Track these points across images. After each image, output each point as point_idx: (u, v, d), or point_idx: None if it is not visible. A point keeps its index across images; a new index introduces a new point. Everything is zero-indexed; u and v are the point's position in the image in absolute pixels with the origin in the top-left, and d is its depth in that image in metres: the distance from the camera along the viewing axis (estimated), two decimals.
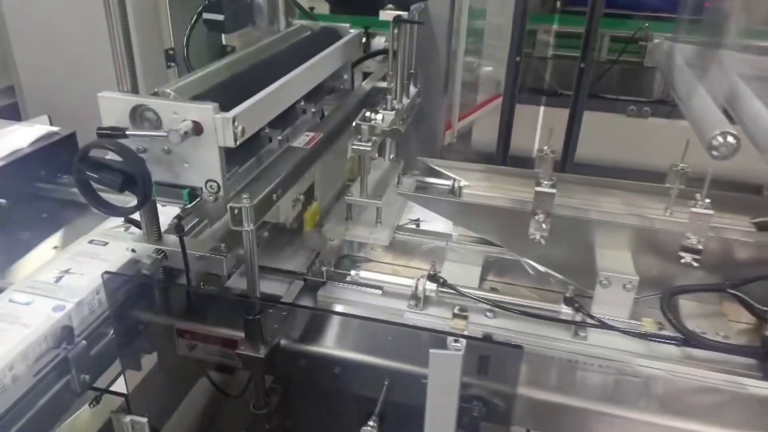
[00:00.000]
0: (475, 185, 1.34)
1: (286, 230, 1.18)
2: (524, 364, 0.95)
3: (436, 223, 1.26)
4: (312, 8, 1.73)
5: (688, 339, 0.96)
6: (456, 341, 0.78)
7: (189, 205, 0.94)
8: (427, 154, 1.58)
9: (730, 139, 0.99)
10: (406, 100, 1.36)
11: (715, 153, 1.00)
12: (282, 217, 1.03)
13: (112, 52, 0.90)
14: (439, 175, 1.42)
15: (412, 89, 1.44)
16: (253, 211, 0.86)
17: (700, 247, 1.03)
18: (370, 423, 0.89)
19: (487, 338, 0.91)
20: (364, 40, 1.47)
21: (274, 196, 0.95)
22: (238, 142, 0.90)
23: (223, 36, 1.75)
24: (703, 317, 1.06)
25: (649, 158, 2.93)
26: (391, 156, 1.38)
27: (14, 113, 2.07)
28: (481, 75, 3.14)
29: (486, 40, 2.89)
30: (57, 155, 1.42)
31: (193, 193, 0.93)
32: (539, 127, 2.80)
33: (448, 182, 1.39)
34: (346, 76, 1.50)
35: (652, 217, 1.13)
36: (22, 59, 1.99)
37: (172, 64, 1.67)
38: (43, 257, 1.15)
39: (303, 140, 1.09)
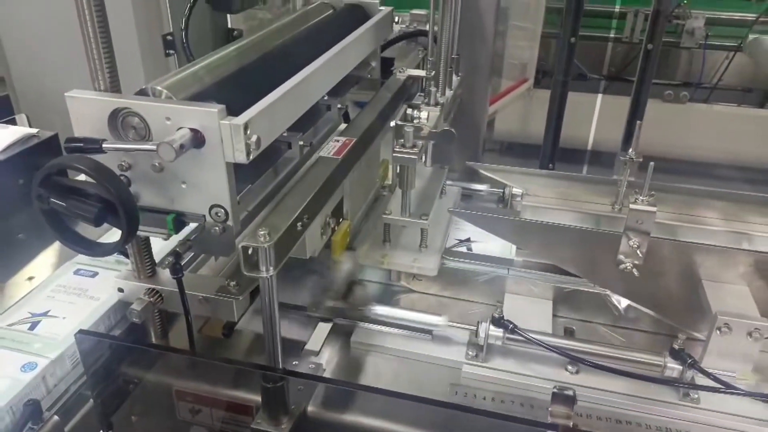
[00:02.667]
0: (536, 196, 1.11)
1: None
2: None
3: (492, 243, 1.03)
4: None
5: None
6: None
7: (188, 238, 0.72)
8: (468, 156, 1.35)
9: None
10: (449, 92, 1.13)
11: None
12: (309, 252, 0.80)
13: (83, 38, 0.67)
14: (483, 179, 1.19)
15: (455, 79, 1.21)
16: (273, 252, 0.64)
17: None
18: None
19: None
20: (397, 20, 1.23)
21: (299, 225, 0.72)
22: (251, 157, 0.67)
23: (228, 18, 1.52)
24: None
25: (707, 149, 2.71)
26: (429, 162, 1.15)
27: (5, 108, 1.85)
28: (506, 59, 2.89)
29: (510, 21, 2.64)
30: (36, 161, 1.20)
31: (181, 219, 0.70)
32: (595, 116, 2.56)
33: (498, 190, 1.16)
34: (374, 64, 1.27)
35: None
36: (10, 47, 1.77)
37: (172, 51, 1.43)
38: (15, 292, 0.94)
39: (331, 147, 0.86)
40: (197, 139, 0.66)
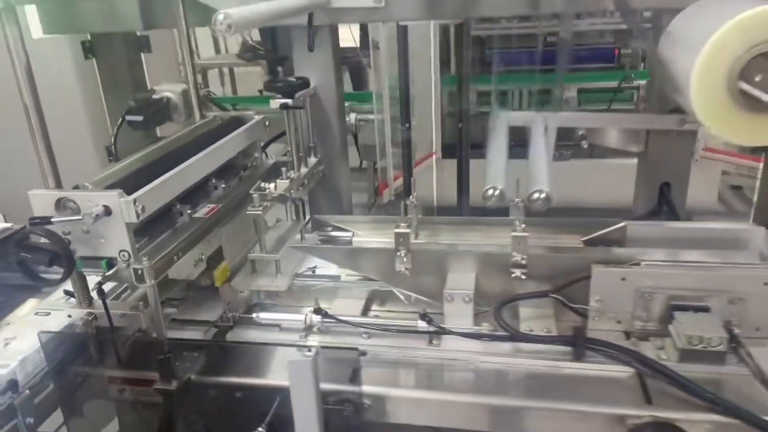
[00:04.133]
0: (366, 234, 1.60)
1: (207, 288, 1.43)
2: (396, 370, 1.19)
3: (329, 268, 1.51)
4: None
5: (513, 336, 1.21)
6: (308, 350, 1.02)
7: (108, 273, 1.19)
8: (336, 212, 1.84)
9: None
10: (304, 170, 1.64)
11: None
12: (185, 275, 1.28)
13: (36, 155, 1.16)
14: (342, 230, 1.68)
15: (313, 160, 1.72)
16: (152, 271, 1.11)
17: (524, 263, 1.29)
18: (259, 429, 1.11)
19: (326, 346, 1.14)
20: (267, 124, 1.76)
21: (175, 257, 1.20)
22: (140, 218, 1.15)
23: (157, 129, 2.05)
24: (536, 319, 1.31)
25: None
26: (293, 218, 1.64)
27: None
28: (414, 137, 3.46)
29: (416, 105, 3.23)
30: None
31: (111, 262, 1.17)
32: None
33: (348, 234, 1.65)
34: (256, 155, 1.78)
35: (491, 244, 1.39)
36: None
37: (112, 158, 1.94)
38: None
39: (204, 211, 1.35)
40: (107, 211, 1.13)
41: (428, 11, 1.56)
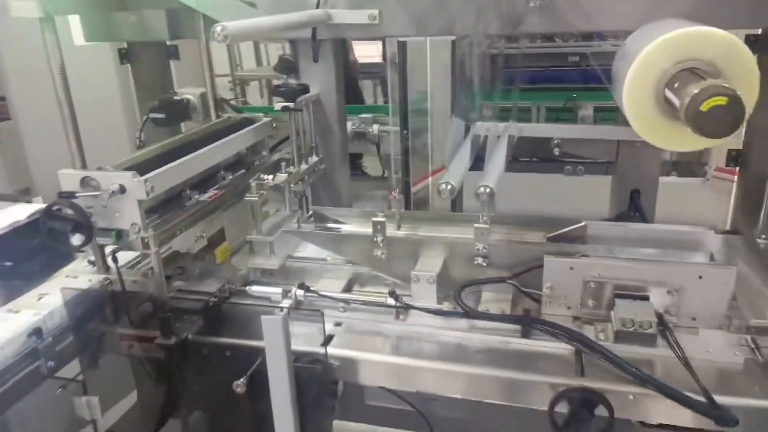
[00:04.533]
0: (357, 225, 1.77)
1: (212, 266, 1.63)
2: (366, 338, 1.36)
3: (321, 253, 1.69)
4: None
5: (468, 313, 1.36)
6: (281, 311, 1.20)
7: (116, 242, 1.40)
8: (335, 206, 2.03)
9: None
10: (304, 166, 1.83)
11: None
12: (186, 248, 1.48)
13: (66, 141, 1.38)
14: (336, 221, 1.86)
15: (314, 158, 1.91)
16: (156, 240, 1.31)
17: (485, 252, 1.45)
18: (240, 381, 1.29)
19: (297, 308, 1.30)
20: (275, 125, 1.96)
21: (177, 231, 1.40)
22: (149, 196, 1.36)
23: (182, 126, 2.28)
24: (494, 302, 1.46)
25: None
26: (294, 209, 1.83)
27: None
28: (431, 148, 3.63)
29: (434, 118, 3.41)
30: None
31: (120, 233, 1.38)
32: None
33: (341, 225, 1.83)
34: (264, 153, 1.98)
35: (459, 235, 1.55)
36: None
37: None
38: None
39: (208, 195, 1.55)
40: (122, 189, 1.34)
41: (417, 29, 1.74)
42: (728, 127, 1.00)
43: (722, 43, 1.14)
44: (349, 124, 3.50)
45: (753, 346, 1.28)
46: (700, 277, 1.32)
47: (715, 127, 1.00)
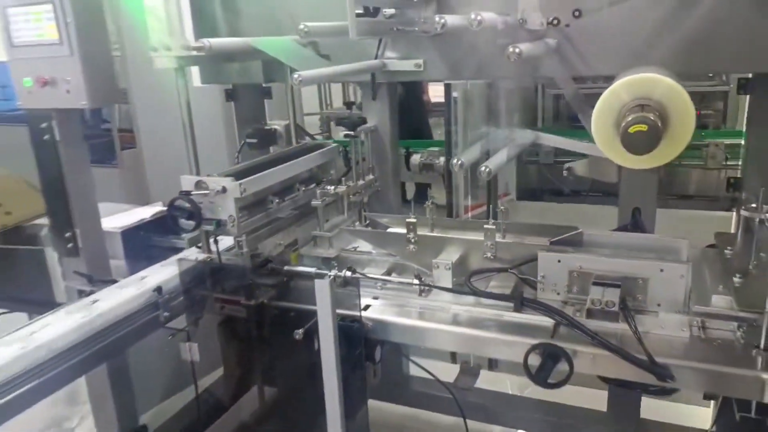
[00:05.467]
0: (398, 227, 2.21)
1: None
2: (395, 307, 1.78)
3: (368, 247, 2.14)
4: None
5: (475, 292, 1.75)
6: (329, 276, 1.65)
7: (215, 228, 1.91)
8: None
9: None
10: (361, 182, 2.30)
11: None
12: (266, 253, 1.97)
13: (186, 155, 1.93)
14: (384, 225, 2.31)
15: (370, 176, 2.38)
16: (246, 244, 1.83)
17: (493, 248, 1.84)
18: (299, 331, 1.74)
19: (337, 277, 1.75)
20: (341, 150, 2.46)
21: (260, 225, 1.90)
22: (242, 195, 1.87)
23: (271, 149, 2.83)
24: (500, 288, 1.84)
25: None
26: (350, 214, 2.30)
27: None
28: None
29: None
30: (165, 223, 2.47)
31: (219, 222, 1.90)
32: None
33: (386, 227, 2.27)
34: (332, 171, 2.48)
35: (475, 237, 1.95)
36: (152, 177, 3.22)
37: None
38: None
39: (288, 212, 2.07)
40: (223, 189, 1.86)
41: (454, 73, 2.19)
42: (646, 147, 1.36)
43: (667, 88, 1.50)
44: (417, 157, 4.02)
45: (700, 326, 1.59)
46: (662, 270, 1.65)
47: (636, 146, 1.37)
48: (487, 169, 1.80)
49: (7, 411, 1.43)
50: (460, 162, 1.82)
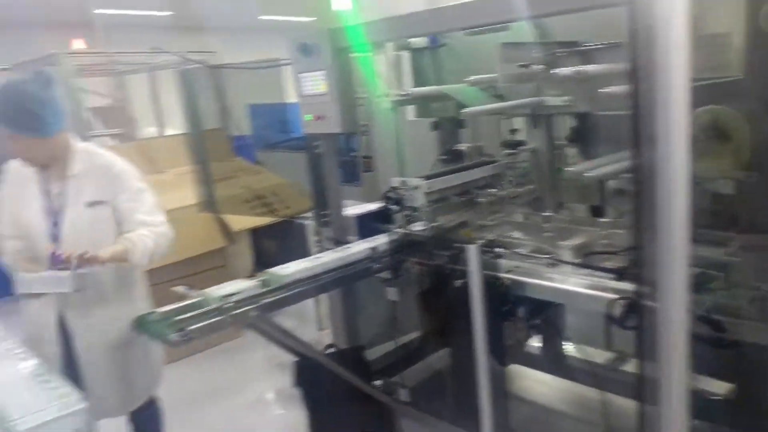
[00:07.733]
0: None
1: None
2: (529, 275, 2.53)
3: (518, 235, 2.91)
4: None
5: (587, 266, 2.41)
6: (477, 246, 2.48)
7: (407, 212, 2.86)
8: None
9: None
10: (519, 190, 3.08)
11: None
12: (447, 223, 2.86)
13: (398, 167, 2.93)
14: None
15: (530, 186, 3.14)
16: (431, 214, 2.75)
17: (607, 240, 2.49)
18: (458, 282, 2.58)
19: (485, 243, 2.53)
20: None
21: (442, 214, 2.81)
22: (430, 190, 2.79)
23: None
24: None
25: None
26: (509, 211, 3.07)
27: None
28: None
29: None
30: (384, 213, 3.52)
31: (414, 209, 2.84)
32: None
33: None
34: (503, 181, 3.28)
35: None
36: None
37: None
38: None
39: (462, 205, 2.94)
40: (418, 186, 2.81)
41: (598, 104, 2.86)
42: None
43: None
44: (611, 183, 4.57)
45: None
46: None
47: None
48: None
49: (296, 297, 2.54)
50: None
